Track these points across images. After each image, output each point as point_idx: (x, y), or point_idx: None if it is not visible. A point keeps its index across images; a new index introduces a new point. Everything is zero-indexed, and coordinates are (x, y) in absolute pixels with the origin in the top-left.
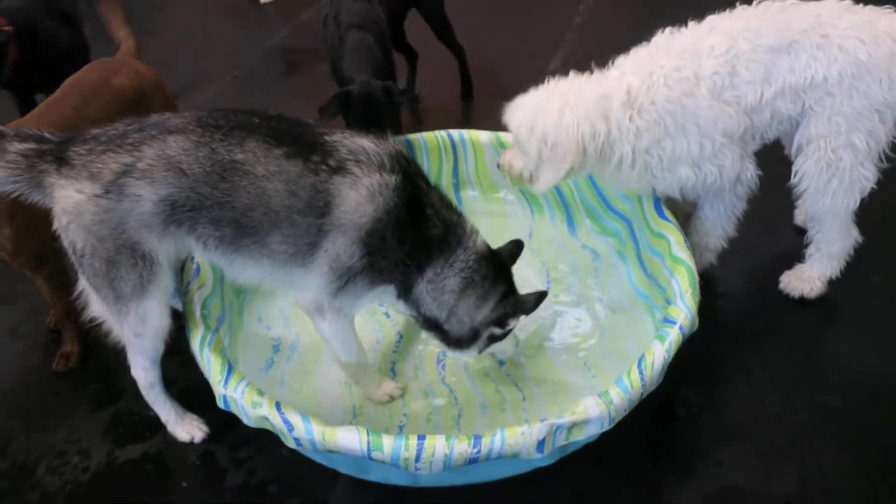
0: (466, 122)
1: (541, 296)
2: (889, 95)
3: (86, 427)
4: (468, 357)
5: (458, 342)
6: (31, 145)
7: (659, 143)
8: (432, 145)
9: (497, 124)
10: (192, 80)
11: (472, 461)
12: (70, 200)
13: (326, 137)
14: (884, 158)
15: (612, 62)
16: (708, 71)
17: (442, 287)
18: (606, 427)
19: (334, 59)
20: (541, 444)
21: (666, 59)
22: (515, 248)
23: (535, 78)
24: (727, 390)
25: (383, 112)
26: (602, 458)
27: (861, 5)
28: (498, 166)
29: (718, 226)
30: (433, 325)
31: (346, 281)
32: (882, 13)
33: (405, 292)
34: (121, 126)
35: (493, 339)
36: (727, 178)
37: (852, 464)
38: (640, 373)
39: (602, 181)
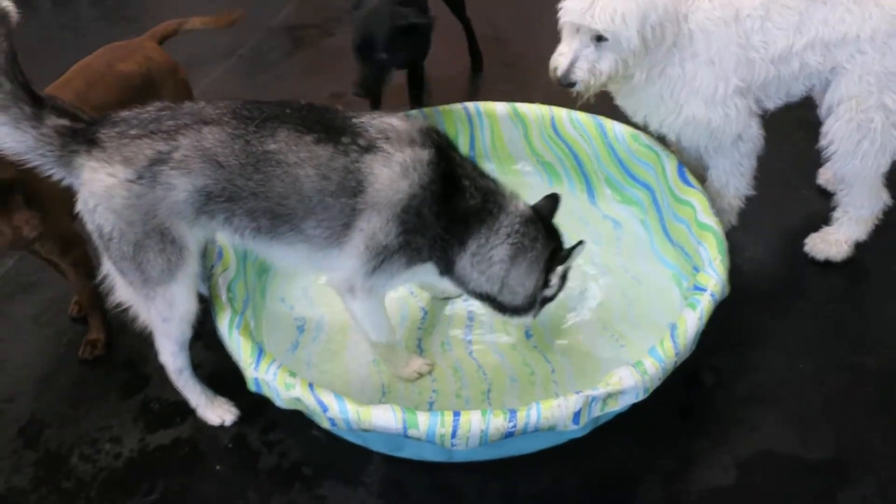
0: (477, 95)
1: (579, 245)
2: None
3: (116, 414)
4: (525, 322)
5: (514, 311)
6: (66, 122)
7: (683, 63)
8: (448, 118)
9: (508, 95)
10: (197, 61)
11: (509, 435)
12: (101, 184)
13: (354, 120)
14: None
15: None
16: (744, 12)
17: (489, 258)
18: (641, 397)
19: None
20: (576, 416)
21: None
22: (553, 202)
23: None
24: (757, 356)
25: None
26: (634, 427)
27: None
28: (569, 84)
29: (730, 185)
30: (485, 299)
31: (382, 260)
32: None
33: (448, 269)
34: (153, 110)
35: (546, 300)
36: (730, 131)
37: (889, 425)
38: (674, 341)
39: (624, 97)
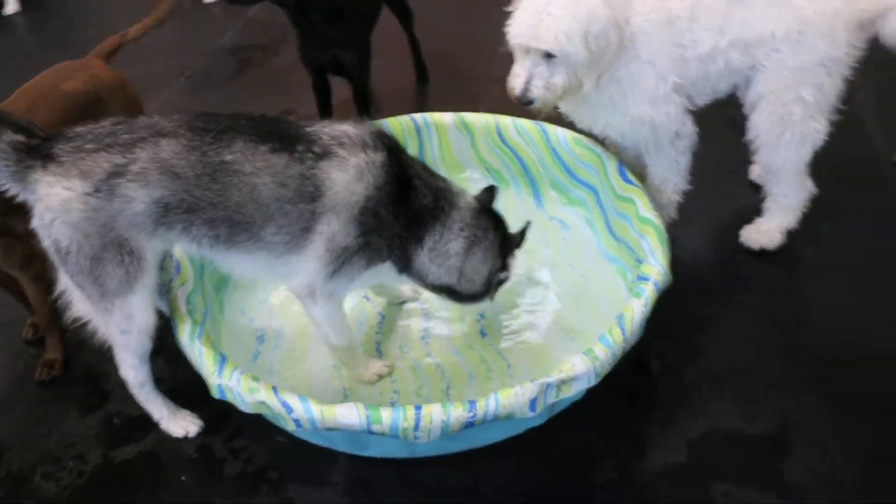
0: (425, 107)
1: (526, 226)
2: (833, 50)
3: (78, 432)
4: (482, 308)
5: (472, 297)
6: (22, 138)
7: (627, 65)
8: (396, 130)
9: (455, 106)
10: (144, 84)
11: (469, 425)
12: (58, 198)
13: (308, 129)
14: (834, 111)
15: None
16: (675, 13)
17: (446, 251)
18: (593, 382)
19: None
20: (533, 403)
21: None
22: (490, 194)
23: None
24: (700, 342)
25: None
26: (589, 414)
27: None
28: (527, 103)
29: (668, 180)
30: (444, 290)
31: (342, 262)
32: None
33: (406, 267)
34: (108, 125)
35: (500, 283)
36: (669, 128)
37: (825, 399)
38: (622, 328)
39: (571, 104)
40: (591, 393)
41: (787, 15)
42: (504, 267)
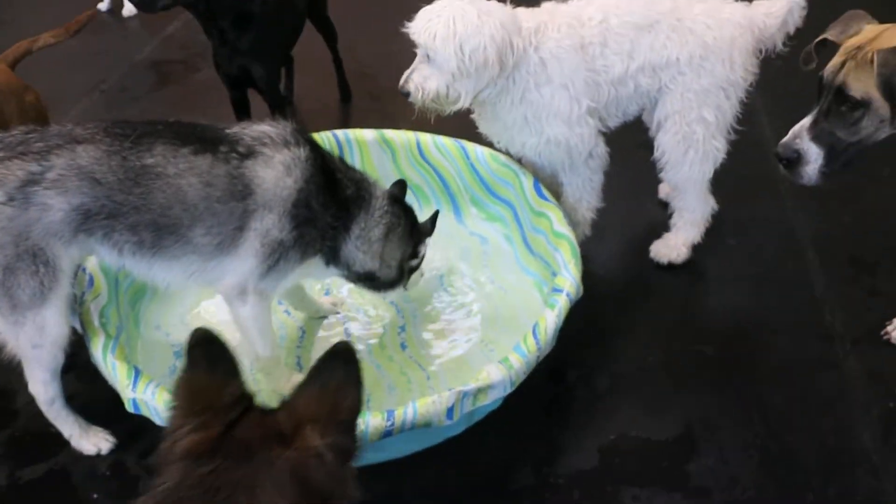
0: (347, 124)
1: (435, 215)
2: (732, 74)
3: None
4: (397, 295)
5: (390, 284)
6: None
7: (540, 88)
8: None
9: (376, 123)
10: (57, 97)
11: (387, 434)
12: None
13: (227, 131)
14: (731, 131)
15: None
16: (587, 39)
17: (369, 238)
18: (508, 390)
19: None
20: (450, 411)
21: (560, 17)
22: (401, 187)
23: None
24: (614, 350)
25: None
26: (506, 423)
27: None
28: (405, 94)
29: (583, 199)
30: (366, 278)
31: (278, 257)
32: (725, 2)
33: (334, 257)
34: (18, 133)
35: (412, 270)
36: (583, 149)
37: (727, 400)
38: (536, 338)
39: (486, 123)
40: (508, 401)
41: (690, 40)
42: (415, 254)
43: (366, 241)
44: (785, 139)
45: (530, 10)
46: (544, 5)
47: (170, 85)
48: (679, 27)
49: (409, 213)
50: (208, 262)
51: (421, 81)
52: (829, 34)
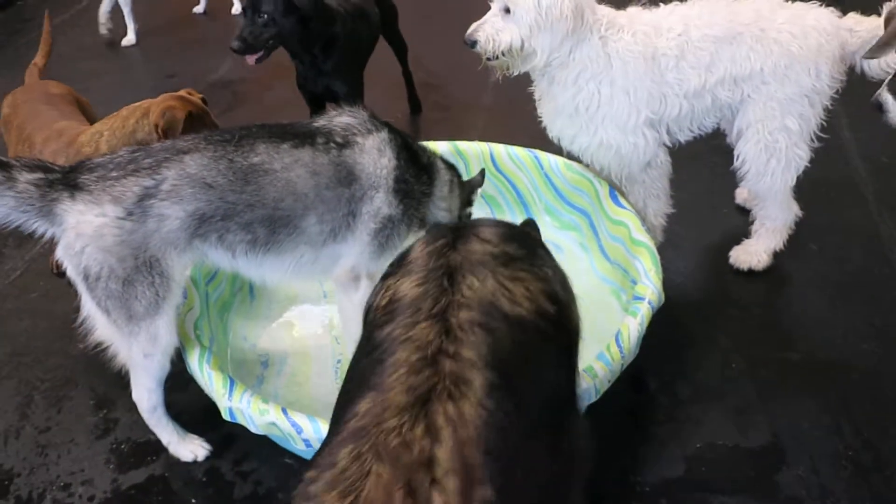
0: (417, 136)
1: (482, 171)
2: (817, 83)
3: (86, 458)
4: None
5: None
6: (40, 175)
7: (600, 84)
8: None
9: (446, 134)
10: None
11: None
12: (90, 225)
13: (316, 125)
14: (814, 139)
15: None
16: (661, 51)
17: (444, 196)
18: (593, 398)
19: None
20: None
21: (637, 24)
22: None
23: (479, 88)
24: (696, 358)
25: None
26: (591, 430)
27: (790, 1)
28: (471, 43)
29: (648, 206)
30: None
31: (388, 234)
32: (809, 8)
33: (421, 224)
34: (125, 154)
35: (468, 217)
36: (638, 160)
37: (815, 408)
38: (619, 346)
39: (543, 104)
40: (591, 409)
41: (775, 50)
42: (469, 202)
43: (443, 199)
44: (876, 92)
45: (613, 9)
46: (629, 9)
47: (245, 104)
48: (763, 37)
49: (455, 168)
50: (320, 250)
51: (493, 33)
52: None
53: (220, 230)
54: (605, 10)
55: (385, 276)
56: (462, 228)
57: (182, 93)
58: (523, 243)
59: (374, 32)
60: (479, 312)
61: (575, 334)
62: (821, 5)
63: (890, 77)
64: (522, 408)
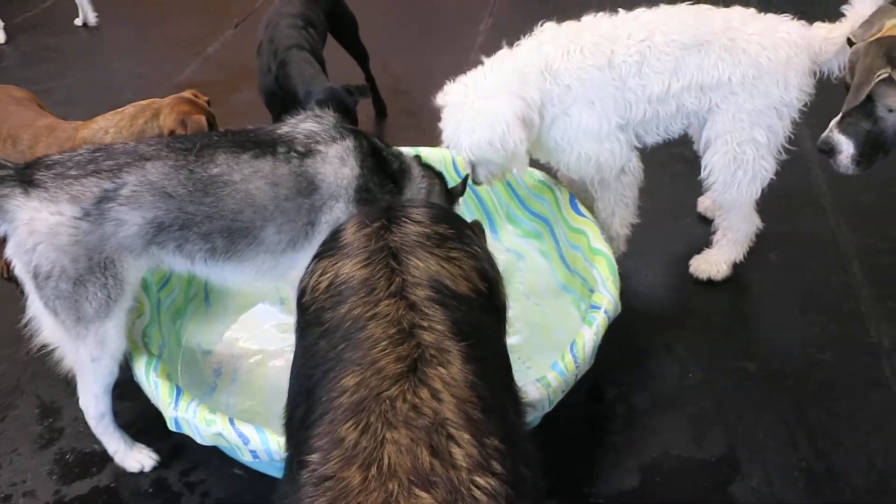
0: (382, 140)
1: (466, 178)
2: (786, 95)
3: (29, 468)
4: None
5: None
6: None
7: (567, 111)
8: None
9: (411, 141)
10: None
11: None
12: (45, 223)
13: (279, 132)
14: (782, 151)
15: (539, 25)
16: (619, 57)
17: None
18: (547, 409)
19: (272, 82)
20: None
21: (588, 35)
22: (419, 158)
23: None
24: (654, 367)
25: (351, 111)
26: (545, 441)
27: (763, 13)
28: (475, 182)
29: (616, 214)
30: None
31: None
32: (781, 21)
33: None
34: (85, 153)
35: None
36: (615, 163)
37: (771, 418)
38: (574, 356)
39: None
40: (548, 418)
41: (744, 60)
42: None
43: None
44: (823, 133)
45: (561, 27)
46: (584, 19)
47: (211, 106)
48: (732, 47)
49: (441, 176)
50: (280, 258)
51: (487, 177)
52: (853, 33)
53: (178, 239)
54: (548, 40)
55: (318, 257)
56: (392, 210)
57: (188, 94)
58: (452, 223)
59: (322, 36)
60: (430, 290)
61: (503, 311)
62: (793, 18)
63: (839, 117)
64: (491, 372)
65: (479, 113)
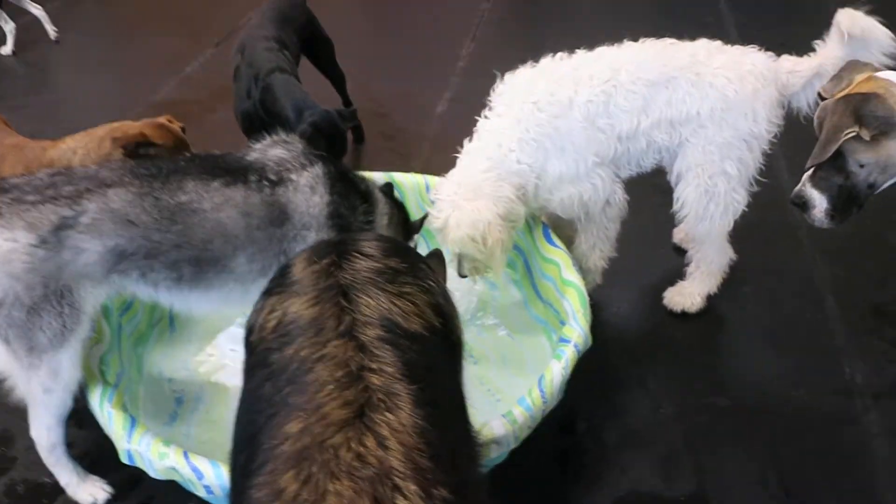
0: (359, 165)
1: (424, 217)
2: (755, 127)
3: None
4: None
5: None
6: None
7: (544, 167)
8: None
9: (388, 164)
10: None
11: None
12: None
13: (249, 159)
14: (753, 183)
15: (493, 90)
16: (583, 98)
17: (384, 227)
18: (513, 445)
19: (252, 107)
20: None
21: (543, 84)
22: (389, 187)
23: (425, 118)
24: (625, 401)
25: (342, 136)
26: (514, 475)
27: (730, 45)
28: (460, 274)
29: (596, 248)
30: None
31: None
32: (746, 53)
33: None
34: (44, 177)
35: None
36: (599, 198)
37: (742, 456)
38: (541, 391)
39: None
40: (517, 452)
41: (711, 94)
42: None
43: (383, 230)
44: (797, 187)
45: (516, 80)
46: (542, 62)
47: (187, 125)
48: (698, 82)
49: (401, 207)
50: (251, 286)
51: (471, 272)
52: (823, 88)
53: (142, 268)
54: (503, 113)
55: (267, 294)
56: (343, 244)
57: (162, 120)
58: (405, 257)
59: (296, 59)
60: (381, 329)
61: (459, 346)
62: (760, 50)
63: (810, 172)
64: (443, 416)
65: (463, 212)
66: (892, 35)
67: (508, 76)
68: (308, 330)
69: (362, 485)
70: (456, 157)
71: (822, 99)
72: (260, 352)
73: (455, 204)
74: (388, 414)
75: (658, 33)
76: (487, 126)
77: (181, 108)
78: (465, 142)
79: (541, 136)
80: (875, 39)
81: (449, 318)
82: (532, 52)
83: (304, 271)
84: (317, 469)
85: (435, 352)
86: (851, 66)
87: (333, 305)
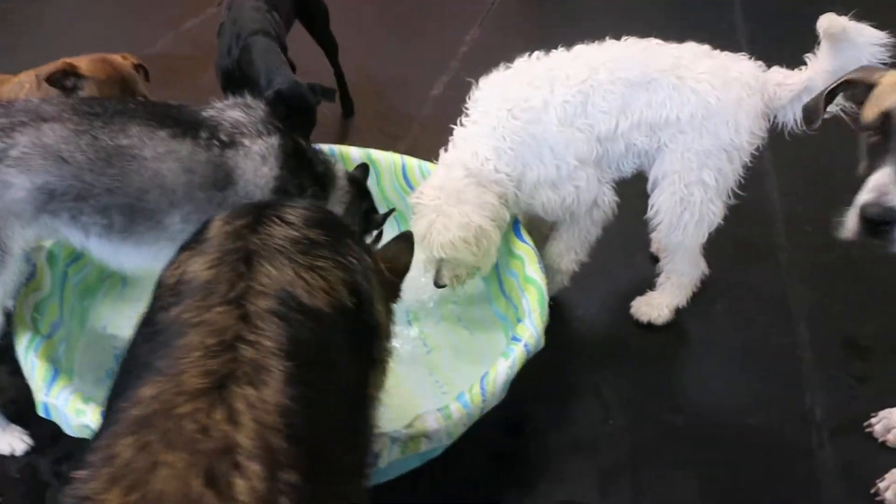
0: (344, 139)
1: (389, 212)
2: (736, 138)
3: None
4: None
5: None
6: None
7: (523, 174)
8: None
9: (374, 143)
10: None
11: None
12: None
13: (204, 114)
14: (731, 195)
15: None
16: (559, 99)
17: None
18: (445, 442)
19: (231, 66)
20: (376, 457)
21: (518, 87)
22: (364, 170)
23: (420, 100)
24: (576, 408)
25: (311, 110)
26: (448, 472)
27: (718, 51)
28: (437, 284)
29: (572, 249)
30: None
31: None
32: (735, 60)
33: None
34: None
35: None
36: (584, 199)
37: (686, 479)
38: (482, 388)
39: None
40: (454, 449)
41: (692, 99)
42: (367, 231)
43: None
44: (870, 198)
45: (493, 82)
46: (517, 63)
47: (178, 83)
48: (680, 86)
49: (367, 197)
50: None
51: (453, 280)
52: (854, 75)
53: (72, 210)
54: (473, 145)
55: (181, 249)
56: (265, 207)
57: (109, 55)
58: (329, 229)
59: (287, 22)
60: (275, 301)
61: (375, 330)
62: (749, 58)
63: (892, 167)
64: (321, 400)
65: (450, 216)
66: (880, 33)
67: (483, 81)
68: (198, 292)
69: (198, 458)
70: (445, 143)
71: (851, 86)
72: (152, 308)
73: (438, 209)
74: (248, 388)
75: (666, 36)
76: (463, 134)
77: (175, 62)
78: (441, 151)
79: (517, 144)
80: (865, 43)
81: (367, 298)
82: (536, 46)
83: (218, 230)
84: (156, 438)
85: (337, 333)
86: (867, 68)
87: (231, 270)
